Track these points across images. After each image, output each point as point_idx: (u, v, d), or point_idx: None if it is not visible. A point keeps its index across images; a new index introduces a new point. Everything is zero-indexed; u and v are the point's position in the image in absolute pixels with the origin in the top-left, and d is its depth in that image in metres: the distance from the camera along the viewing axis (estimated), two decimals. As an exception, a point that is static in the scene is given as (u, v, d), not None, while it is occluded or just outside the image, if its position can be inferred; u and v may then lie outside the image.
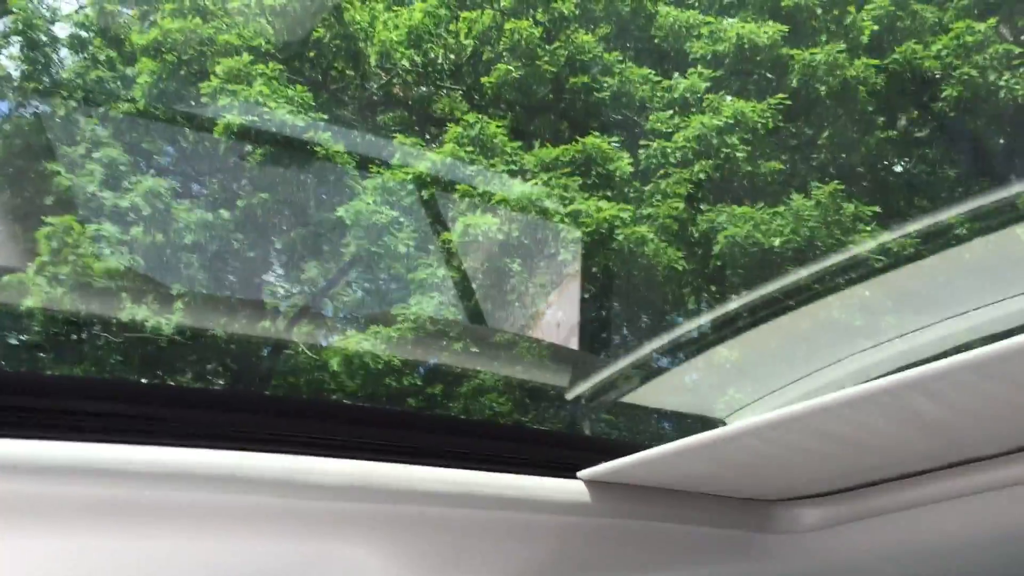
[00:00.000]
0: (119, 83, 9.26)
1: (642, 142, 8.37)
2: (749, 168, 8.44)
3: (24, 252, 8.44)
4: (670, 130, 8.33)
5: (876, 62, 8.83)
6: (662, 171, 8.18)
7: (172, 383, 9.05)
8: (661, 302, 8.45)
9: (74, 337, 8.97)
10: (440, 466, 1.21)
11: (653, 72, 8.71)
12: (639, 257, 7.91)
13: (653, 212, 8.01)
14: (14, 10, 10.24)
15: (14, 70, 10.07)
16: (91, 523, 1.02)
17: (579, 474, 1.33)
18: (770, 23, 9.00)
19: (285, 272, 10.02)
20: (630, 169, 8.28)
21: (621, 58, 8.76)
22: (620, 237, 7.88)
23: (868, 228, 8.10)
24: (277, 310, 9.82)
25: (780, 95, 8.63)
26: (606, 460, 1.30)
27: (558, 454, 1.34)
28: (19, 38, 10.26)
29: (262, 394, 7.99)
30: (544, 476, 1.29)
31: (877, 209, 8.23)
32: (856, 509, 1.43)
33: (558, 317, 8.70)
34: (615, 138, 8.54)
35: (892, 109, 9.20)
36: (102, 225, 8.43)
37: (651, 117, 8.48)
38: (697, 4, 9.13)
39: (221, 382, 9.75)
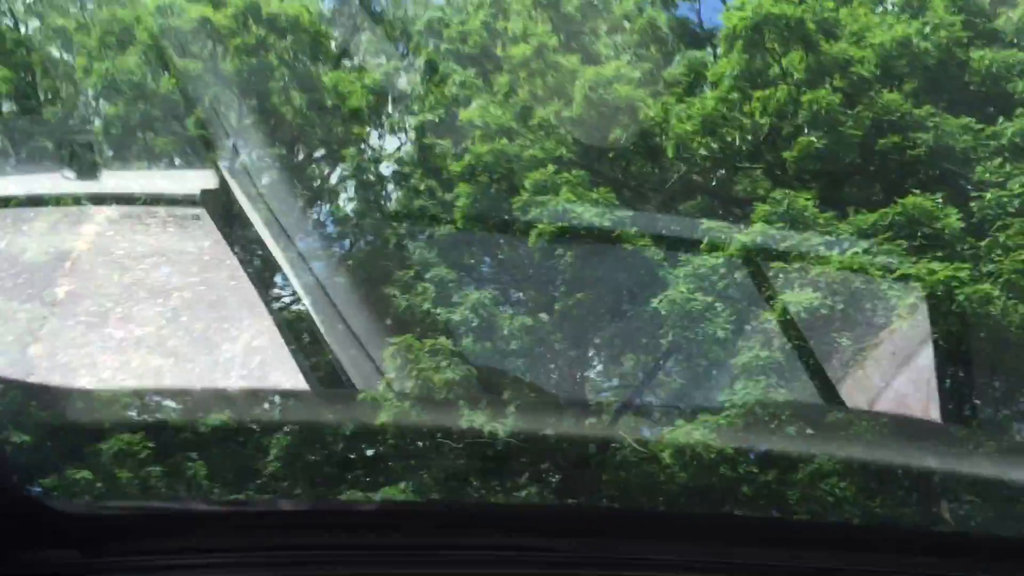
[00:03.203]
0: (440, 208, 10.10)
1: (972, 194, 7.81)
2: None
3: (372, 372, 9.28)
4: (1002, 179, 7.71)
5: None
6: (999, 223, 7.54)
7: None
8: (1017, 365, 7.68)
9: (420, 445, 9.65)
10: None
11: (973, 120, 8.15)
12: (985, 318, 7.28)
13: (995, 268, 7.39)
14: (346, 158, 11.59)
15: (351, 211, 11.35)
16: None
17: None
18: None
19: (605, 367, 10.24)
20: (960, 225, 7.72)
21: (934, 111, 8.29)
22: (961, 298, 7.31)
23: None
24: (601, 405, 10.02)
25: None
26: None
27: None
28: (352, 181, 11.57)
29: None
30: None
31: None
32: None
33: (898, 389, 8.16)
34: (938, 195, 8.03)
35: None
36: (437, 339, 9.09)
37: (978, 168, 7.91)
38: (1017, 42, 8.49)
39: (555, 479, 10.05)
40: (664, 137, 9.48)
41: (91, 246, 8.21)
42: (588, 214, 8.92)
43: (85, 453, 8.89)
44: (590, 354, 9.86)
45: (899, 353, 7.99)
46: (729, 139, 9.16)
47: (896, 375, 8.24)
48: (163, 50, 10.84)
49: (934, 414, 7.64)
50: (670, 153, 9.43)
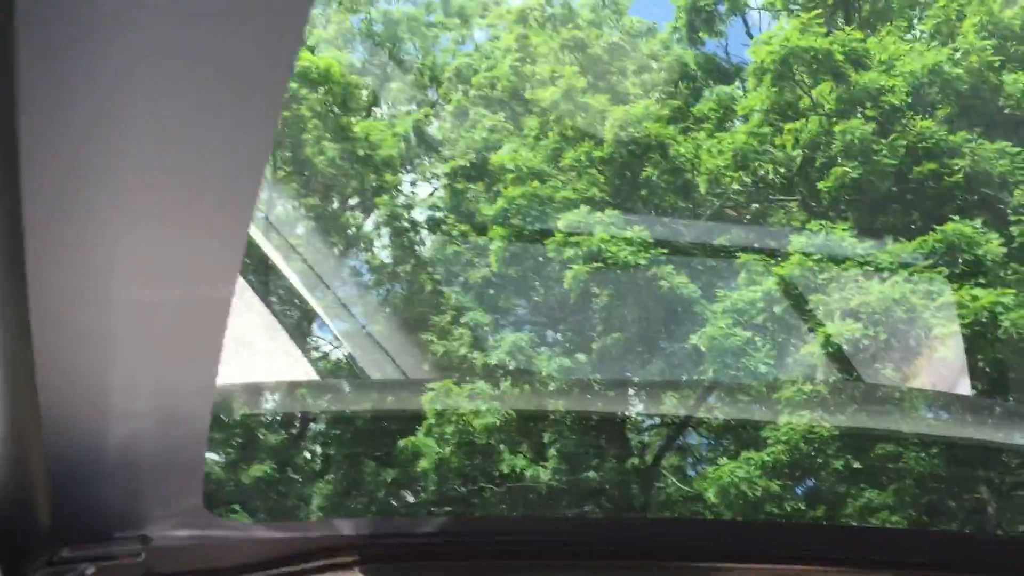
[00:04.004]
0: (474, 252, 10.13)
1: (1012, 218, 7.69)
2: None
3: (411, 418, 9.28)
4: (1042, 201, 7.61)
5: None
6: (1042, 246, 7.43)
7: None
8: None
9: (461, 490, 9.60)
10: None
11: (1009, 144, 8.05)
12: (1033, 344, 7.14)
13: (1041, 293, 7.26)
14: (379, 206, 11.69)
15: (387, 258, 11.43)
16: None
17: None
18: None
19: (646, 406, 10.15)
20: (1003, 250, 7.60)
21: (969, 136, 8.21)
22: (1006, 324, 7.17)
23: None
24: (643, 445, 9.92)
25: None
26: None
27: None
28: (386, 228, 11.66)
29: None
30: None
31: None
32: None
33: (944, 419, 8.00)
34: (977, 220, 7.92)
35: None
36: (476, 383, 9.07)
37: (1016, 192, 7.80)
38: (1051, 62, 8.42)
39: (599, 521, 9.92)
40: (696, 173, 9.47)
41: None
42: (623, 253, 8.91)
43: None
44: (630, 393, 9.79)
45: (944, 382, 7.85)
46: (762, 172, 9.13)
47: (943, 408, 8.08)
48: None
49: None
50: (702, 188, 9.42)
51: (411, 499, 9.48)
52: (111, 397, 1.53)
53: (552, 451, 9.22)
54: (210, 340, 1.44)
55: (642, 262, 8.88)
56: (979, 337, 7.39)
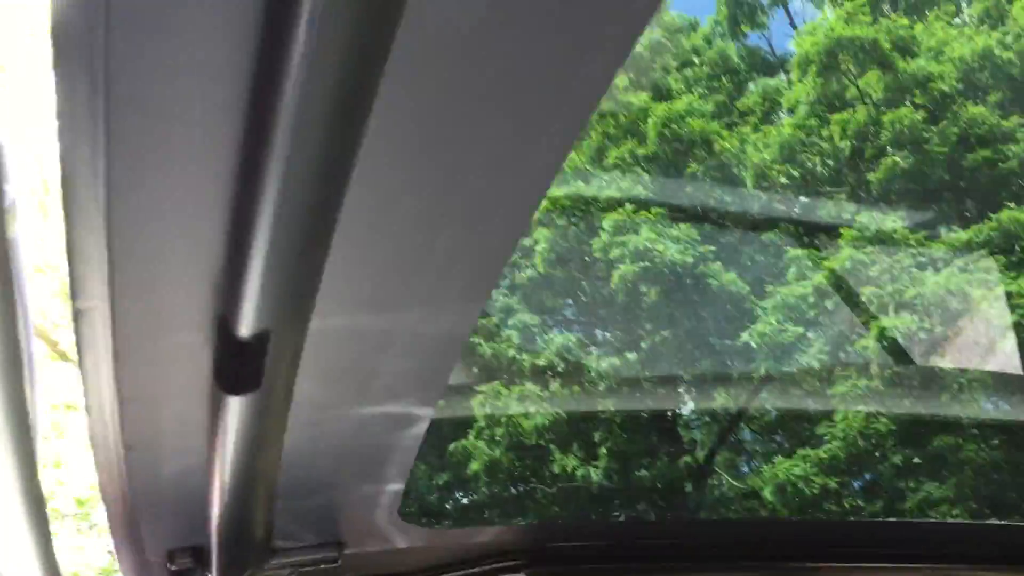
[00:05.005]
0: (519, 254, 10.14)
1: (1072, 204, 7.52)
2: None
3: (461, 423, 9.31)
4: (1103, 184, 7.41)
5: None
6: (1102, 231, 7.24)
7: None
8: None
9: (513, 492, 9.61)
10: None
11: (1065, 127, 7.88)
12: (1098, 333, 6.96)
13: (1102, 279, 7.07)
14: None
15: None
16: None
17: None
18: None
19: (697, 405, 10.08)
20: (1061, 237, 7.43)
21: (1023, 122, 8.03)
22: (1067, 313, 7.01)
23: None
24: (695, 443, 9.85)
25: None
26: None
27: None
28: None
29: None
30: None
31: None
32: None
33: (1005, 410, 7.83)
34: (1034, 207, 7.75)
35: None
36: (524, 385, 9.07)
37: (1075, 175, 7.62)
38: (1109, 43, 8.19)
39: (652, 519, 9.88)
40: (742, 167, 9.37)
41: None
42: (670, 251, 8.86)
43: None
44: (681, 391, 9.71)
45: (1003, 374, 7.68)
46: (809, 165, 9.01)
47: (1003, 399, 7.92)
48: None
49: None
50: (749, 183, 9.31)
51: (464, 501, 9.52)
52: (328, 412, 1.58)
53: (603, 450, 9.19)
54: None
55: (689, 260, 8.82)
56: (1039, 326, 7.22)
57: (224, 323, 1.24)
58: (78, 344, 1.35)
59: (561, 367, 9.13)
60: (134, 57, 0.98)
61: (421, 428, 1.69)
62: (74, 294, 1.28)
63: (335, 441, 1.64)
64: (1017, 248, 7.61)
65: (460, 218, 1.27)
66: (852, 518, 8.12)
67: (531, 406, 9.00)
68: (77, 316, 1.31)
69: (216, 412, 1.40)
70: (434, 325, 1.40)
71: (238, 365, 1.31)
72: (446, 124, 1.13)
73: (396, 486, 1.81)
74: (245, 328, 1.21)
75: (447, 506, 9.39)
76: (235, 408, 1.36)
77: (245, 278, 1.14)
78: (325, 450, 1.66)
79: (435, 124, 1.13)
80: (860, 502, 8.10)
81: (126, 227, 1.15)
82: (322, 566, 1.91)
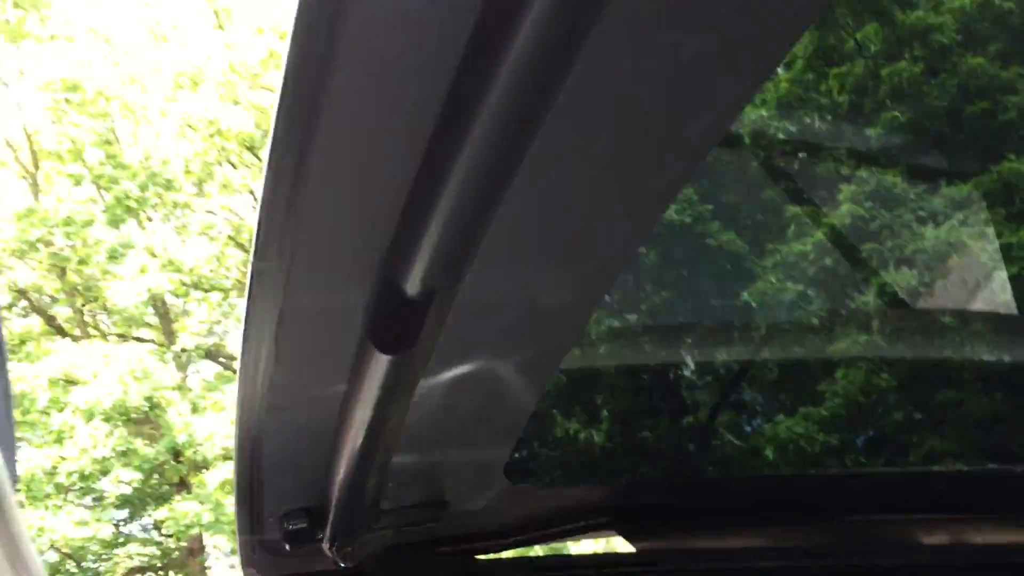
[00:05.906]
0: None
1: (1072, 154, 7.43)
2: None
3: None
4: (1103, 134, 7.32)
5: None
6: (1105, 182, 7.17)
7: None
8: None
9: (517, 456, 9.64)
10: None
11: (1066, 76, 7.77)
12: (1100, 283, 6.92)
13: (1106, 229, 7.02)
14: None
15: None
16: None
17: None
18: None
19: (697, 365, 10.06)
20: (1062, 188, 7.36)
21: (1023, 72, 7.93)
22: (1069, 264, 6.96)
23: None
24: (696, 404, 9.84)
25: None
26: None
27: None
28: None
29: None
30: None
31: None
32: None
33: (1008, 364, 7.82)
34: (1035, 158, 7.67)
35: None
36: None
37: (1075, 125, 7.53)
38: (1109, -10, 8.06)
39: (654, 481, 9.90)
40: (738, 124, 9.27)
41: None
42: (668, 211, 8.78)
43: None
44: (681, 352, 9.70)
45: (1005, 327, 7.68)
46: (807, 120, 8.91)
47: (1003, 350, 7.91)
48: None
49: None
50: (746, 141, 9.22)
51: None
52: (446, 373, 1.60)
53: (605, 413, 9.20)
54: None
55: (688, 219, 8.75)
56: (1040, 278, 7.19)
57: (392, 283, 1.25)
58: (248, 306, 1.35)
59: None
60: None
61: (536, 392, 1.71)
62: (256, 253, 1.26)
63: (449, 401, 1.66)
64: (1017, 200, 7.55)
65: (603, 204, 1.30)
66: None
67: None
68: (255, 275, 1.30)
69: (360, 373, 1.41)
70: (559, 298, 1.43)
71: (399, 324, 1.32)
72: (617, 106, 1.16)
73: (505, 446, 1.84)
74: (412, 287, 1.23)
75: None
76: (381, 368, 1.37)
77: (422, 240, 1.16)
78: (438, 410, 1.68)
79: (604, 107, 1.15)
80: (863, 459, 8.12)
81: (315, 189, 1.16)
82: (425, 525, 1.96)
